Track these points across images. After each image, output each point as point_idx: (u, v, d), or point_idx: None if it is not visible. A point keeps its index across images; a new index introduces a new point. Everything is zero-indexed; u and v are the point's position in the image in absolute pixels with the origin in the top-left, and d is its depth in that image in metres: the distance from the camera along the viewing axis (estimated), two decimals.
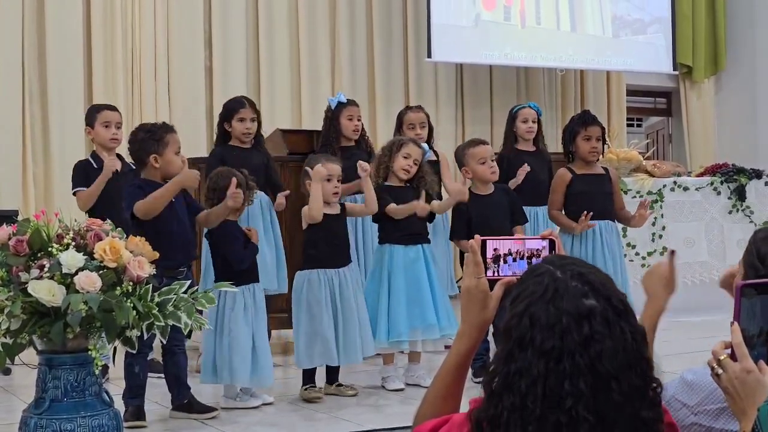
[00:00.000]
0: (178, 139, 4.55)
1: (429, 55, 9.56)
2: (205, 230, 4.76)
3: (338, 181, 4.91)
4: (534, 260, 2.07)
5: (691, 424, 2.15)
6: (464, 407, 1.96)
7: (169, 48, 8.79)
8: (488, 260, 2.10)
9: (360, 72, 9.76)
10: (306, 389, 4.83)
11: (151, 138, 4.52)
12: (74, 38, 8.32)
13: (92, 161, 5.57)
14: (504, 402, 1.64)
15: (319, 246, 4.86)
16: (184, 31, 8.86)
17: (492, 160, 5.33)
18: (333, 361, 4.82)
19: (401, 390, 5.03)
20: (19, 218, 4.17)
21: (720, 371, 1.78)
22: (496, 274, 2.10)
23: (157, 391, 4.56)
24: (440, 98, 10.03)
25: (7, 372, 5.40)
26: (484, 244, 2.10)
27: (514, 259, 2.12)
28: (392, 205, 5.07)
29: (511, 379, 1.64)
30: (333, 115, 6.08)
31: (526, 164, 6.25)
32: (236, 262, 4.67)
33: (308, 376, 4.87)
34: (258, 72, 9.23)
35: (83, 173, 5.51)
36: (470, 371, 2.05)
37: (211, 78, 9.01)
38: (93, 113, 5.64)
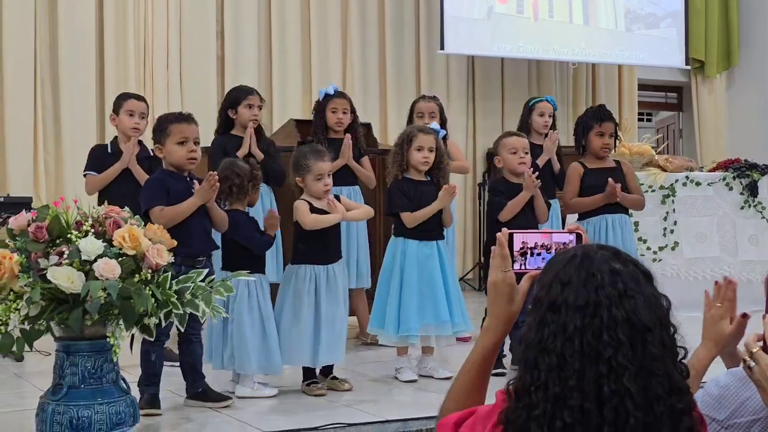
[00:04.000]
0: (184, 129, 4.46)
1: (442, 48, 9.55)
2: None
3: (329, 176, 4.85)
4: None
5: None
6: (488, 401, 1.96)
7: (182, 38, 8.78)
8: (515, 253, 2.10)
9: (371, 64, 9.75)
10: (308, 384, 4.80)
11: (158, 128, 4.52)
12: (86, 27, 8.32)
13: (109, 147, 5.61)
14: (540, 365, 1.67)
15: (309, 241, 4.80)
16: (197, 22, 8.86)
17: (525, 153, 5.32)
18: (306, 361, 4.77)
19: (414, 381, 5.03)
20: (33, 205, 4.20)
21: (752, 364, 1.79)
22: (523, 267, 2.11)
23: (170, 379, 4.56)
24: (452, 91, 10.03)
25: (20, 358, 5.41)
26: (511, 237, 2.10)
27: (540, 253, 2.13)
28: (405, 215, 5.06)
29: (545, 342, 1.68)
30: (320, 107, 6.08)
31: (555, 133, 6.25)
32: (256, 247, 4.69)
33: (308, 371, 4.84)
34: (270, 63, 9.23)
35: (97, 157, 5.57)
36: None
37: (223, 68, 9.01)
38: (120, 101, 5.70)
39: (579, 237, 2.13)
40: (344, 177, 5.87)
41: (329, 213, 4.80)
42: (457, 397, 2.07)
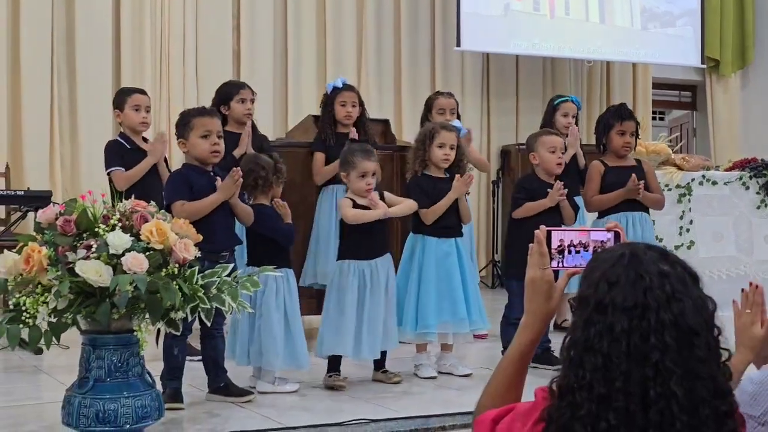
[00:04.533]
0: (207, 123, 4.48)
1: (458, 44, 9.54)
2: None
3: (373, 176, 4.86)
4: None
5: None
6: (525, 397, 1.97)
7: (197, 32, 8.79)
8: (553, 251, 2.10)
9: (386, 60, 9.75)
10: (330, 376, 4.83)
11: (180, 122, 4.54)
12: (103, 20, 8.33)
13: (124, 142, 5.58)
14: (586, 365, 1.66)
15: (353, 237, 4.85)
16: (213, 16, 8.86)
17: (562, 152, 5.32)
18: (347, 353, 4.80)
19: (434, 378, 5.04)
20: (53, 199, 4.20)
21: None
22: (560, 265, 2.10)
23: (192, 374, 4.57)
24: (466, 87, 10.01)
25: (39, 352, 5.40)
26: (549, 234, 2.10)
27: (578, 251, 2.13)
28: (423, 211, 5.07)
29: (591, 341, 1.67)
30: (328, 100, 6.04)
31: (576, 128, 6.26)
32: (282, 238, 4.72)
33: (333, 363, 4.88)
34: (285, 58, 9.23)
35: (118, 153, 5.51)
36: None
37: (239, 63, 9.01)
38: (123, 96, 5.66)
39: (617, 235, 2.13)
40: None
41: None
42: (495, 393, 2.06)
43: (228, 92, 5.83)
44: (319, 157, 5.93)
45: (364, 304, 4.80)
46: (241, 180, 4.44)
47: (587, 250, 2.11)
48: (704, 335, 1.66)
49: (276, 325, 4.60)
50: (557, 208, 5.20)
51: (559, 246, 2.11)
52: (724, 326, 1.74)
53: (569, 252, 2.12)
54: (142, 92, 5.76)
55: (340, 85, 6.05)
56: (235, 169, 4.44)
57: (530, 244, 2.10)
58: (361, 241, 4.84)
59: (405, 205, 5.04)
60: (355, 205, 4.82)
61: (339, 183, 5.59)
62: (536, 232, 2.10)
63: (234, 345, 4.63)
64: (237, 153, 5.47)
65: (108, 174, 5.51)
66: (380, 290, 4.84)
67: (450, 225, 5.17)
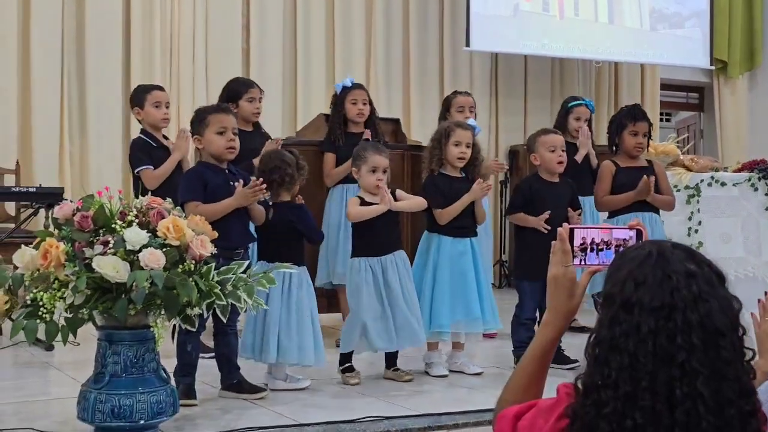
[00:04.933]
0: (223, 119, 4.49)
1: (467, 44, 9.55)
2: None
3: (383, 173, 4.88)
4: (621, 250, 2.08)
5: None
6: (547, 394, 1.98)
7: (207, 30, 8.80)
8: (575, 249, 2.11)
9: (395, 59, 9.77)
10: (344, 371, 4.87)
11: (196, 119, 4.55)
12: (113, 18, 8.34)
13: (149, 140, 5.58)
14: (612, 364, 1.66)
15: (361, 235, 4.89)
16: (222, 14, 8.88)
17: (562, 150, 5.33)
18: (362, 348, 4.85)
19: (445, 376, 5.05)
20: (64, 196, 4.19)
21: None
22: (583, 262, 2.11)
23: (204, 371, 4.58)
24: (475, 87, 10.00)
25: (50, 348, 5.44)
26: (572, 232, 2.11)
27: (601, 249, 2.14)
28: (438, 212, 5.08)
29: (617, 340, 1.67)
30: (338, 100, 6.05)
31: (585, 127, 6.29)
32: (319, 238, 4.89)
33: (344, 358, 4.90)
34: (294, 57, 9.25)
35: (146, 151, 5.51)
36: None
37: (248, 61, 9.02)
38: (142, 93, 5.66)
39: (639, 233, 2.14)
40: None
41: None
42: (516, 389, 2.07)
43: (237, 90, 5.84)
44: (330, 157, 5.94)
45: (382, 299, 4.82)
46: (263, 190, 4.45)
47: (609, 248, 2.13)
48: (730, 336, 1.66)
49: (308, 322, 4.65)
50: (563, 202, 5.24)
51: (581, 244, 2.12)
52: (749, 325, 1.75)
53: (591, 250, 2.13)
54: (161, 89, 5.78)
55: (349, 85, 6.07)
56: (256, 180, 4.44)
57: (553, 242, 2.11)
58: (369, 239, 4.86)
59: (413, 201, 5.05)
60: (363, 203, 4.84)
61: (349, 182, 5.61)
62: (559, 229, 2.11)
63: (258, 343, 4.63)
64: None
65: (137, 173, 5.49)
66: (395, 286, 4.85)
67: (465, 225, 5.17)
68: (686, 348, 1.63)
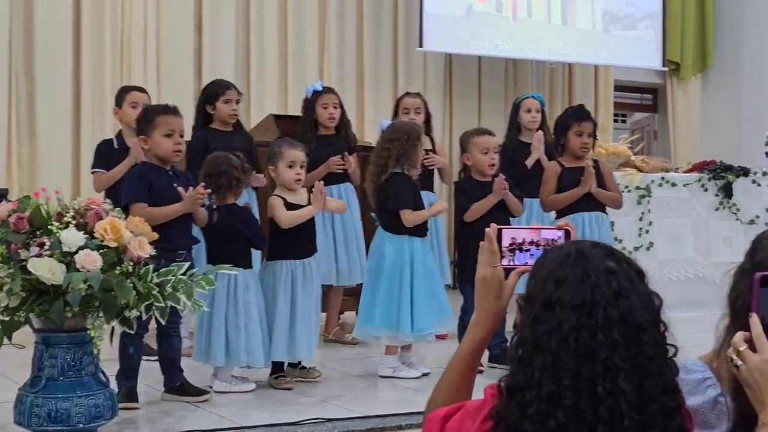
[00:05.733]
0: (171, 121, 4.48)
1: (420, 45, 9.55)
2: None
3: (301, 167, 4.84)
4: None
5: None
6: (476, 395, 1.97)
7: (159, 31, 8.71)
8: (504, 249, 2.10)
9: (349, 60, 9.73)
10: (276, 378, 4.80)
11: (143, 119, 4.52)
12: (63, 17, 8.23)
13: (115, 141, 5.63)
14: (535, 364, 1.66)
15: (284, 237, 4.79)
16: (174, 15, 8.79)
17: (495, 152, 5.33)
18: (282, 356, 4.76)
19: (418, 378, 5.03)
20: (9, 197, 4.14)
21: (740, 363, 1.80)
22: (511, 263, 2.10)
23: (146, 373, 4.54)
24: (429, 87, 10.01)
25: None
26: (500, 232, 2.10)
27: (528, 249, 2.13)
28: (408, 212, 5.04)
29: (540, 340, 1.67)
30: (309, 104, 6.07)
31: (539, 132, 6.31)
32: (261, 243, 4.77)
33: (277, 364, 4.84)
34: (247, 57, 9.18)
35: (104, 155, 5.57)
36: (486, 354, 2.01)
37: (200, 61, 8.96)
38: (122, 94, 5.75)
39: (567, 233, 2.13)
40: (335, 175, 5.94)
41: (302, 207, 4.81)
42: (446, 391, 2.06)
43: (214, 92, 5.83)
44: None
45: (296, 304, 4.75)
46: (206, 196, 4.44)
47: (538, 249, 2.12)
48: (651, 331, 1.67)
49: (257, 324, 4.62)
50: (504, 203, 5.22)
51: (510, 244, 2.12)
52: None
53: (520, 250, 2.12)
54: (142, 90, 5.84)
55: (320, 88, 6.11)
56: (203, 185, 4.45)
57: (481, 243, 2.10)
58: (293, 241, 4.80)
59: (340, 203, 5.11)
60: (287, 205, 4.79)
61: (342, 181, 5.89)
62: (487, 230, 2.10)
63: (206, 345, 4.59)
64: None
65: (92, 174, 5.62)
66: (312, 290, 4.82)
67: (425, 224, 5.19)
68: (608, 344, 1.63)
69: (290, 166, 4.79)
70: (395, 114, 6.39)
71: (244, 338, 4.57)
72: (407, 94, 6.64)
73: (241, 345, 4.57)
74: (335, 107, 6.06)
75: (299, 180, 4.81)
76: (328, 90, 6.15)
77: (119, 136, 5.67)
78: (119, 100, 5.71)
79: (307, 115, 6.07)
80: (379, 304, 5.01)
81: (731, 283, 2.07)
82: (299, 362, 4.92)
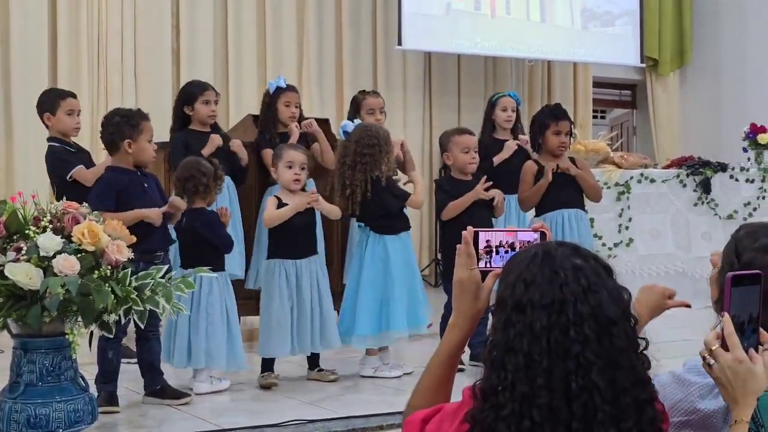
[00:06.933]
0: (151, 128, 4.56)
1: (399, 43, 9.54)
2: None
3: (301, 169, 4.86)
4: None
5: None
6: (454, 397, 1.97)
7: (136, 31, 8.68)
8: (480, 251, 2.11)
9: (328, 58, 9.72)
10: (262, 376, 4.83)
11: (127, 123, 4.50)
12: (39, 18, 8.19)
13: (65, 146, 5.45)
14: (508, 366, 1.67)
15: (277, 238, 4.85)
16: (151, 15, 8.76)
17: (475, 151, 5.34)
18: (285, 352, 4.82)
19: (398, 377, 5.05)
20: None
21: (712, 362, 1.81)
22: (488, 265, 2.11)
23: (127, 376, 4.53)
24: (408, 85, 10.03)
25: None
26: (476, 235, 2.11)
27: (506, 251, 2.13)
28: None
29: (512, 342, 1.68)
30: (271, 100, 5.99)
31: (511, 141, 6.30)
32: (227, 245, 4.75)
33: (266, 363, 4.87)
34: (226, 57, 9.17)
35: (68, 156, 5.40)
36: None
37: (178, 61, 8.93)
38: (56, 99, 5.50)
39: (543, 235, 2.14)
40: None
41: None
42: (425, 393, 2.06)
43: (192, 93, 5.77)
44: (268, 153, 5.85)
45: (293, 304, 4.80)
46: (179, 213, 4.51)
47: (515, 250, 2.12)
48: (622, 324, 1.69)
49: (220, 326, 4.60)
50: (486, 202, 5.22)
51: (486, 246, 2.12)
52: (639, 315, 1.77)
53: (497, 252, 2.13)
54: (75, 96, 5.68)
55: (284, 86, 6.02)
56: (175, 197, 4.52)
57: (458, 245, 2.11)
58: (285, 242, 4.82)
59: (331, 206, 5.05)
60: (281, 205, 4.81)
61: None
62: (463, 233, 2.11)
63: (172, 348, 4.59)
64: (206, 152, 5.42)
65: (70, 178, 5.30)
66: (307, 290, 4.83)
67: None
68: (580, 340, 1.65)
69: (289, 167, 4.83)
70: (356, 114, 6.15)
71: (204, 341, 4.58)
72: (369, 93, 6.46)
73: (201, 347, 4.58)
74: (297, 106, 6.00)
75: (297, 181, 4.86)
76: (291, 88, 6.07)
77: (59, 140, 5.40)
78: (53, 107, 5.42)
79: (269, 111, 5.97)
80: (363, 309, 5.00)
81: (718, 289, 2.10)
82: (317, 363, 4.98)
